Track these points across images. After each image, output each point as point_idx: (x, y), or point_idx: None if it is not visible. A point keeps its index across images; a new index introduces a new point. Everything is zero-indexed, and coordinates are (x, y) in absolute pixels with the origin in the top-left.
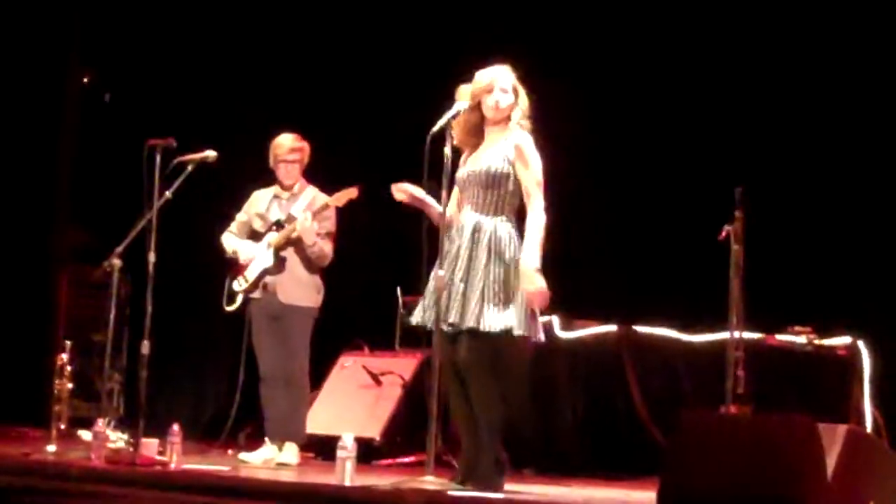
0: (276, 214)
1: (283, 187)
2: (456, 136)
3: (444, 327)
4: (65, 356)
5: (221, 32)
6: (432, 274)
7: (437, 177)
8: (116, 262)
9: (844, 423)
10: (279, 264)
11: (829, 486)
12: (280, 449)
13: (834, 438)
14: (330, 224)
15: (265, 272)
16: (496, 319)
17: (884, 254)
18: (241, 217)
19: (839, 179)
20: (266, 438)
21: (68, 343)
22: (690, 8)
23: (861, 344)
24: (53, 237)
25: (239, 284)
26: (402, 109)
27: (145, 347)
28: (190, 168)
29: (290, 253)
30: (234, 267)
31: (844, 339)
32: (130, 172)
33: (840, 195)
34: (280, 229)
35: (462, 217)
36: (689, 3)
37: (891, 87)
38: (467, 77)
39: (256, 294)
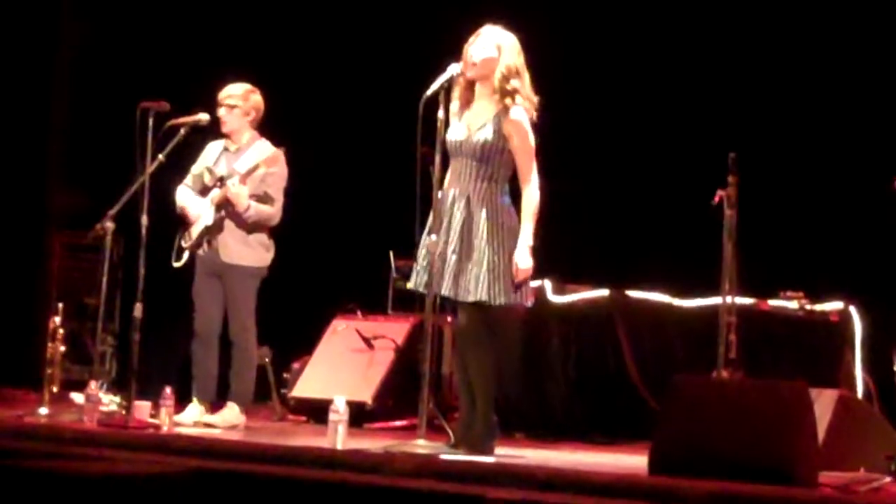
0: (222, 169)
1: (230, 138)
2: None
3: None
4: (57, 319)
5: None
6: (423, 238)
7: (430, 141)
8: (109, 224)
9: (835, 388)
10: (220, 222)
11: (819, 450)
12: (213, 410)
13: (825, 404)
14: (272, 181)
15: (207, 229)
16: (494, 292)
17: (876, 220)
18: (194, 170)
19: (832, 145)
20: (194, 398)
21: (61, 306)
22: None
23: (853, 309)
24: (46, 199)
25: (185, 241)
26: (395, 72)
27: (138, 310)
28: (183, 131)
29: (230, 211)
30: (184, 222)
31: (836, 305)
32: (124, 134)
33: (833, 161)
34: (222, 185)
35: (455, 188)
36: None
37: (881, 54)
38: (458, 39)
39: (201, 251)
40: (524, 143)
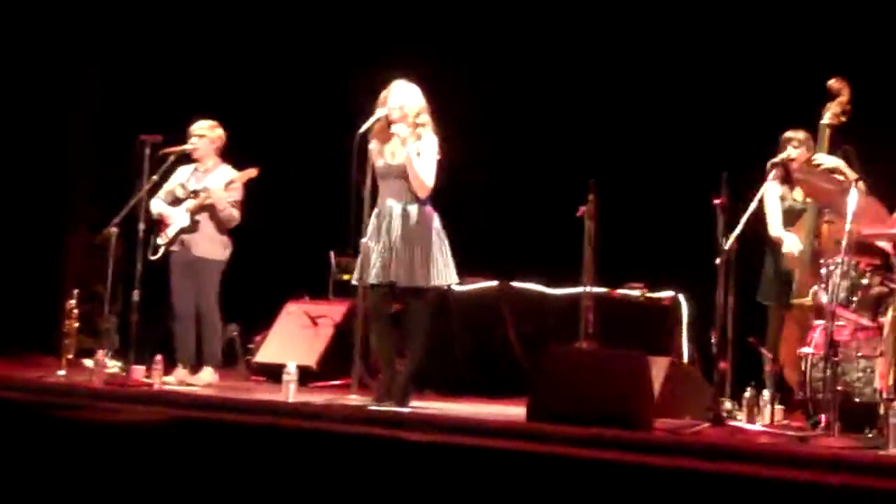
0: (193, 185)
1: (200, 162)
2: (374, 132)
3: (375, 282)
4: (73, 302)
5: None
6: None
7: (362, 166)
8: (114, 230)
9: (667, 356)
10: (194, 225)
11: (655, 403)
12: (193, 372)
13: (659, 368)
14: (237, 195)
15: (182, 230)
16: (435, 277)
17: (699, 229)
18: (167, 187)
19: (665, 173)
20: (179, 363)
21: (76, 292)
22: (560, 25)
23: (681, 297)
24: (66, 211)
25: (162, 240)
26: (335, 115)
27: (136, 296)
28: (172, 158)
29: (202, 216)
30: (159, 226)
31: (668, 293)
32: (126, 160)
33: (665, 184)
34: (196, 197)
35: (389, 202)
36: (553, 20)
37: (704, 99)
38: (382, 76)
39: (175, 248)
40: (430, 153)
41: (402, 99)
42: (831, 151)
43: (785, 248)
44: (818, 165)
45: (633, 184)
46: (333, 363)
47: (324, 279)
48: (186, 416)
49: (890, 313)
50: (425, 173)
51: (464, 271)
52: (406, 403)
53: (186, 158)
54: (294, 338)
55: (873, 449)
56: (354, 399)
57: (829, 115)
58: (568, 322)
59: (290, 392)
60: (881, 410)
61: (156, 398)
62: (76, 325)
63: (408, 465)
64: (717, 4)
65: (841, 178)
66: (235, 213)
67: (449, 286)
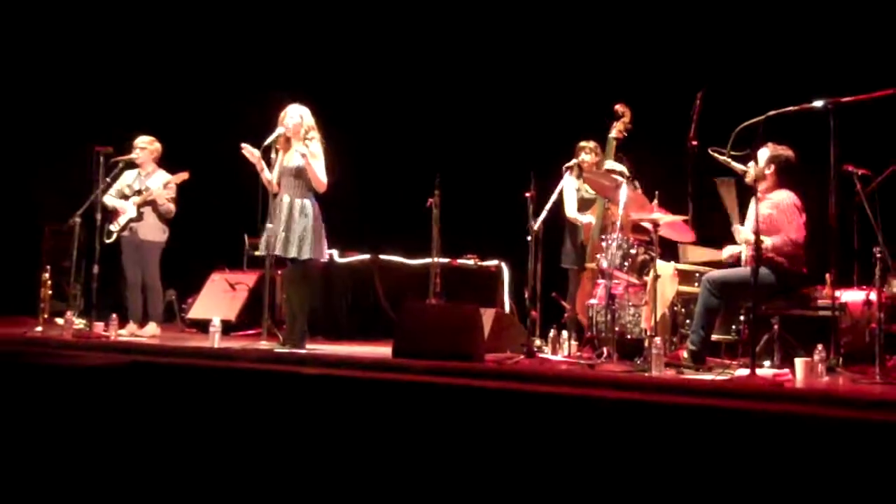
0: (138, 185)
1: (141, 167)
2: (276, 144)
3: (272, 254)
4: (47, 275)
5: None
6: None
7: (269, 167)
8: (77, 219)
9: (494, 308)
10: (140, 216)
11: (485, 342)
12: (140, 327)
13: (489, 316)
14: (172, 192)
15: (130, 220)
16: (306, 252)
17: (514, 215)
18: (117, 186)
19: (488, 174)
20: (130, 320)
21: (49, 267)
22: (419, 60)
23: (503, 264)
24: (41, 207)
25: (115, 227)
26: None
27: (95, 269)
28: (121, 165)
29: (146, 209)
30: (112, 216)
31: (494, 262)
32: (85, 166)
33: (489, 182)
34: (140, 195)
35: (283, 194)
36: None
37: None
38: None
39: (125, 233)
40: (319, 159)
41: (295, 118)
42: (614, 157)
43: (585, 221)
44: (606, 169)
45: (468, 180)
46: (248, 318)
47: (240, 255)
48: (137, 360)
49: (651, 273)
50: (319, 174)
51: (345, 247)
52: (303, 346)
53: (131, 165)
54: (218, 299)
55: (641, 372)
56: (264, 344)
57: (615, 131)
58: (421, 284)
59: (215, 340)
60: (646, 344)
61: (112, 347)
62: (49, 292)
63: (305, 392)
64: (530, 49)
65: (618, 178)
66: (172, 207)
67: (327, 259)
